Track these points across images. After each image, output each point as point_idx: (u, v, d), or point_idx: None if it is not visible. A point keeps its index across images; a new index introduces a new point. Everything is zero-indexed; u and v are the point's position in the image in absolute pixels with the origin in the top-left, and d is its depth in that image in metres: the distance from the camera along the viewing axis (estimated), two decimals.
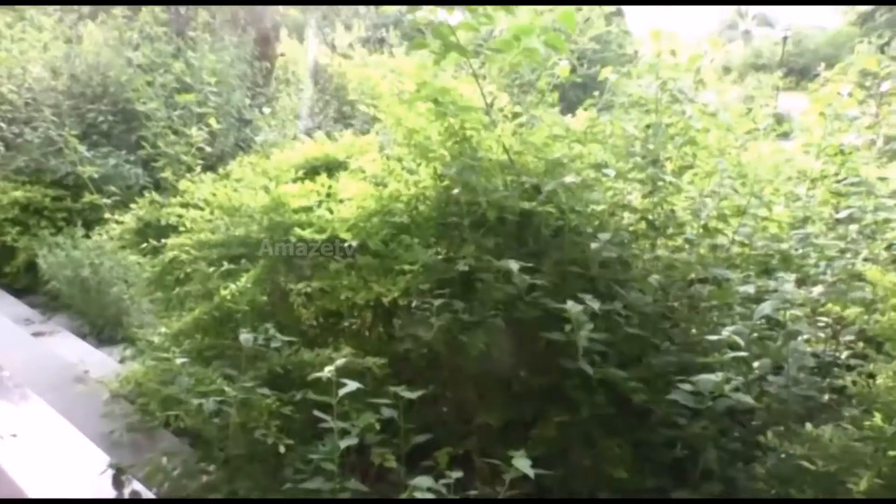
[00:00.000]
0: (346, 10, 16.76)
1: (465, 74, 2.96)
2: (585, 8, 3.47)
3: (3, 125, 6.62)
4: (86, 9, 14.48)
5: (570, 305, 2.38)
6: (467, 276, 2.82)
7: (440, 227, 3.11)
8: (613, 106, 3.49)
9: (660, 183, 2.83)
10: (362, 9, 17.80)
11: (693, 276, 2.75)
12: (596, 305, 2.42)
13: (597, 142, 3.07)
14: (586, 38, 3.56)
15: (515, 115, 3.17)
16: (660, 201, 2.88)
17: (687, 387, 2.24)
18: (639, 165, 2.87)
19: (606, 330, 2.52)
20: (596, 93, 3.47)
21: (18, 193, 6.15)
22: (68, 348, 4.63)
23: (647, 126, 2.97)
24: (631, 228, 3.02)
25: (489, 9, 2.37)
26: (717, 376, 2.18)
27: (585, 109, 3.36)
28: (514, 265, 2.52)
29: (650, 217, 2.93)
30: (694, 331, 2.73)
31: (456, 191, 2.89)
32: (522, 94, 3.70)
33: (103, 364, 4.29)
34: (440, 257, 2.99)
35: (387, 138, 4.23)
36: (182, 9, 10.32)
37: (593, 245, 2.66)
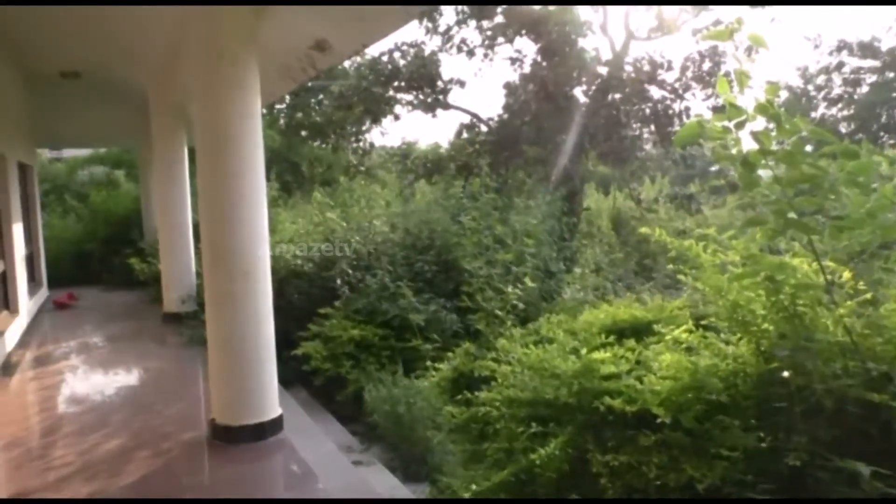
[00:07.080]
0: (652, 165, 17.02)
1: (789, 238, 2.75)
2: None
3: (350, 271, 7.72)
4: (421, 169, 16.82)
5: None
6: (798, 470, 2.48)
7: (763, 409, 2.82)
8: None
9: None
10: (667, 162, 17.86)
11: None
12: None
13: None
14: None
15: (858, 291, 2.83)
16: None
17: None
18: None
19: None
20: None
21: (355, 332, 6.94)
22: (380, 480, 4.96)
23: None
24: None
25: (839, 185, 2.20)
26: None
27: None
28: (863, 469, 2.16)
29: None
30: None
31: (786, 373, 2.62)
32: (865, 263, 3.31)
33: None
34: (763, 445, 2.69)
35: (695, 297, 4.06)
36: (503, 169, 11.49)
37: None
